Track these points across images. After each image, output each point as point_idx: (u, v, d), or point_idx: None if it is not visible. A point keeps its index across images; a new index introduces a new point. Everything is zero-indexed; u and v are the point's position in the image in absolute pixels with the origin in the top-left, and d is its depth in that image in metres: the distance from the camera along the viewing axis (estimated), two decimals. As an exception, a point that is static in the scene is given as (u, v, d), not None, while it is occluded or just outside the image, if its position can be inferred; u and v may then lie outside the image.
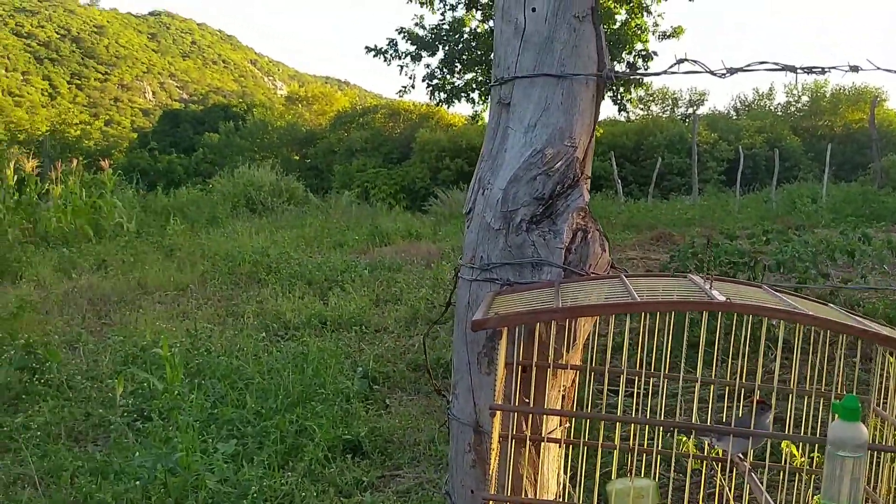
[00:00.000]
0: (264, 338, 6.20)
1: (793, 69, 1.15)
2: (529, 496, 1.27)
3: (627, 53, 19.03)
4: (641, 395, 1.30)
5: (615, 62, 19.10)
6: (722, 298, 0.96)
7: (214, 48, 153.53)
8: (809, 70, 1.15)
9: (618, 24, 18.60)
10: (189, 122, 41.44)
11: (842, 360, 1.15)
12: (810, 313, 0.96)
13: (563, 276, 1.33)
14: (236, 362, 5.45)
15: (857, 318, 1.06)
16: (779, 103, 38.85)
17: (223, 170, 21.25)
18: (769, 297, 1.08)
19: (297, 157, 30.02)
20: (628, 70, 18.75)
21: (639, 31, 18.90)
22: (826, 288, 5.35)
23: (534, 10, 1.38)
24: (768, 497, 1.08)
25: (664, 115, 35.65)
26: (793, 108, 37.36)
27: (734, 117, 35.22)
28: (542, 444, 1.27)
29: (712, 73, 1.19)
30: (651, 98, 37.91)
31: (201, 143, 33.75)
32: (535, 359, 1.20)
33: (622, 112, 21.50)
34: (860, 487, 0.95)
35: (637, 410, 1.44)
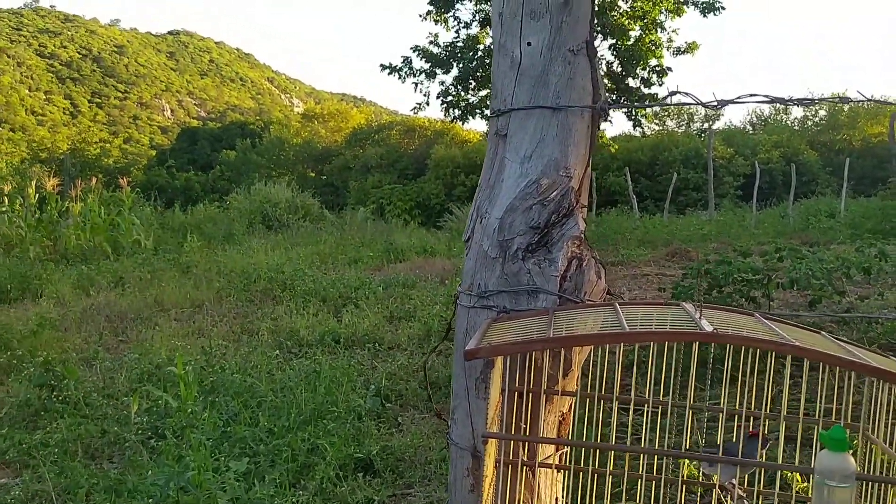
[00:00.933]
0: (278, 355, 6.23)
1: (783, 101, 1.18)
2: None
3: (642, 69, 19.04)
4: (648, 420, 1.32)
5: (630, 77, 19.13)
6: (710, 329, 0.98)
7: (232, 66, 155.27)
8: (799, 102, 1.17)
9: (632, 40, 18.63)
10: (207, 139, 41.86)
11: (825, 388, 1.16)
12: (797, 344, 0.97)
13: (558, 303, 1.36)
14: (250, 380, 5.49)
15: (847, 347, 1.08)
16: (795, 118, 38.64)
17: (240, 187, 21.46)
18: (759, 327, 1.10)
19: (313, 174, 30.23)
20: (632, 96, 18.77)
21: (653, 47, 18.90)
22: (837, 315, 5.32)
23: (529, 44, 1.42)
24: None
25: (680, 130, 35.57)
26: (810, 123, 37.14)
27: (751, 132, 35.08)
28: (538, 469, 1.29)
29: (703, 104, 1.21)
30: (666, 113, 37.85)
31: (219, 160, 34.09)
32: (530, 385, 1.22)
33: (637, 127, 21.49)
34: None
35: (646, 432, 1.45)
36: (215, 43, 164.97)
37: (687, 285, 5.93)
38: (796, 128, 36.45)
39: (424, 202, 24.66)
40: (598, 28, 18.64)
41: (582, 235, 1.42)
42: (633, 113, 19.69)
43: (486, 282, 1.41)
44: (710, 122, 36.00)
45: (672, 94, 1.26)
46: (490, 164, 1.49)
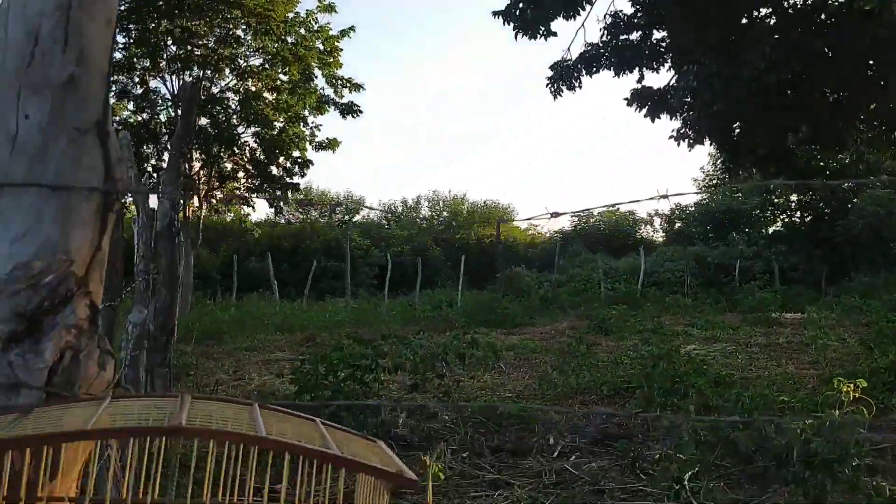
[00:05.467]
0: None
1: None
2: None
3: (285, 159, 19.56)
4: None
5: (272, 165, 19.43)
6: (180, 423, 0.96)
7: None
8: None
9: (276, 130, 19.11)
10: None
11: (305, 475, 1.21)
12: (263, 437, 1.00)
13: (43, 399, 1.24)
14: None
15: (330, 435, 1.13)
16: (424, 217, 42.76)
17: None
18: (247, 418, 1.11)
19: None
20: (274, 184, 19.17)
21: (297, 140, 19.57)
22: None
23: (27, 117, 1.33)
24: None
25: (322, 220, 37.01)
26: (435, 221, 41.35)
27: (385, 226, 37.85)
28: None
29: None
30: (310, 202, 39.16)
31: None
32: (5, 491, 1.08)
33: (279, 215, 21.82)
34: None
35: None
36: None
37: (306, 370, 6.07)
38: (424, 225, 40.28)
39: None
40: (243, 115, 18.79)
41: (83, 324, 1.33)
42: (274, 201, 19.99)
43: (-43, 376, 1.24)
44: (350, 215, 38.09)
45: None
46: (-22, 244, 1.34)
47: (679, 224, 35.15)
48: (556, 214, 1.60)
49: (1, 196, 1.32)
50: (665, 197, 1.60)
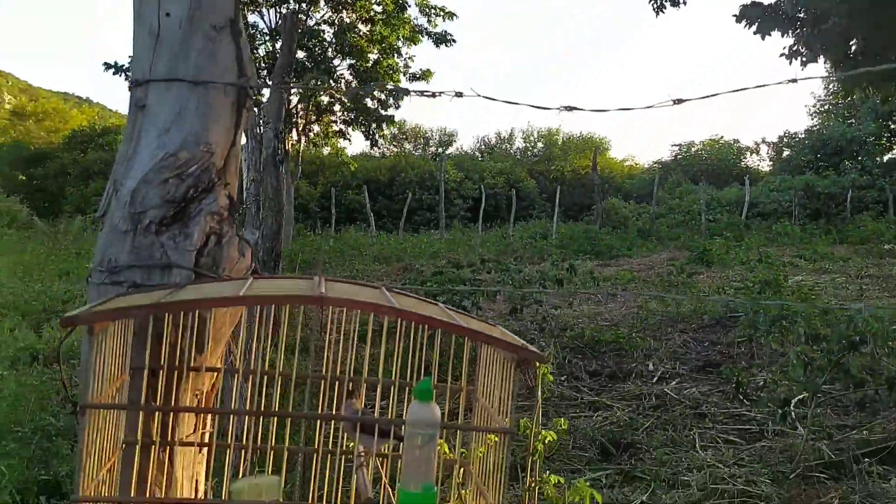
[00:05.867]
0: (-49, 374, 5.48)
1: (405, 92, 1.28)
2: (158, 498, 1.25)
3: (380, 91, 19.64)
4: (278, 389, 1.34)
5: (367, 98, 19.59)
6: (319, 293, 1.03)
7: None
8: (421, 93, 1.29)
9: (370, 62, 19.17)
10: None
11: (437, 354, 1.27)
12: (395, 306, 1.06)
13: (192, 278, 1.34)
14: (-89, 404, 4.76)
15: (455, 315, 1.18)
16: (518, 147, 42.29)
17: (-74, 189, 18.64)
18: (378, 296, 1.17)
19: (24, 178, 27.05)
20: (369, 116, 19.30)
21: (391, 71, 19.59)
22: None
23: (168, 14, 1.39)
24: (368, 486, 1.16)
25: (416, 153, 37.22)
26: (530, 153, 40.87)
27: (479, 158, 37.70)
28: (176, 448, 1.26)
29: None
30: (404, 136, 39.39)
31: None
32: (165, 362, 1.19)
33: (375, 147, 22.06)
34: (432, 460, 1.06)
35: (275, 400, 1.46)
36: None
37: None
38: (518, 157, 39.90)
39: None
40: (338, 48, 18.92)
41: (224, 212, 1.42)
42: (371, 133, 20.19)
43: (116, 257, 1.35)
44: (444, 147, 38.12)
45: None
46: (129, 137, 1.43)
47: (787, 152, 33.43)
48: (569, 108, 1.56)
49: (148, 92, 1.41)
50: (679, 102, 1.53)
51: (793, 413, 4.52)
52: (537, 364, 2.17)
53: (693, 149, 36.71)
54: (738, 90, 1.48)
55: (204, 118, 1.40)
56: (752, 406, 5.24)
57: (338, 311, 1.10)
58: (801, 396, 4.67)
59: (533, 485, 1.89)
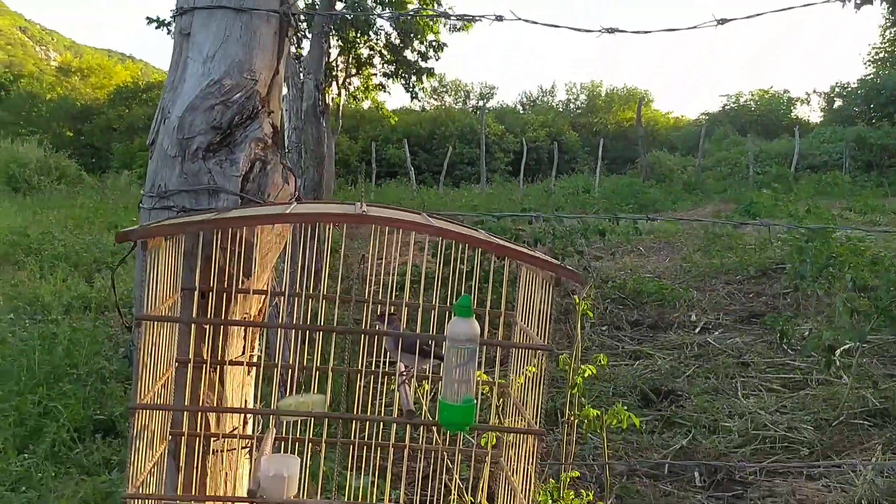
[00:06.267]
0: (12, 320, 5.71)
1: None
2: (211, 420, 1.30)
3: (420, 43, 19.44)
4: (323, 307, 1.37)
5: (407, 49, 19.43)
6: (359, 211, 1.05)
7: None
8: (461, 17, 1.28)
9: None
10: (-60, 91, 36.56)
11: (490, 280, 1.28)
12: (436, 225, 1.07)
13: (239, 203, 1.38)
14: (-25, 347, 4.98)
15: (495, 237, 1.20)
16: (560, 100, 41.64)
17: (-20, 145, 19.11)
18: (418, 218, 1.19)
19: (71, 134, 27.59)
20: (409, 69, 19.15)
21: (431, 22, 19.33)
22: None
23: (211, -58, 1.41)
24: (410, 401, 1.19)
25: (457, 107, 36.91)
26: (572, 106, 40.22)
27: (521, 111, 37.25)
28: (227, 368, 1.31)
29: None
30: (445, 89, 39.05)
31: (-46, 115, 29.92)
32: (213, 285, 1.23)
33: (415, 100, 21.93)
34: (473, 372, 1.08)
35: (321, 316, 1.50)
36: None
37: (445, 245, 6.25)
38: (560, 109, 39.30)
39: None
40: (378, -1, 18.73)
41: (268, 139, 1.44)
42: (411, 86, 20.06)
43: (166, 182, 1.39)
44: (485, 101, 37.73)
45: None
46: (175, 66, 1.46)
47: (839, 103, 32.33)
48: (611, 30, 1.52)
49: (193, 20, 1.43)
50: (723, 22, 1.48)
51: (837, 362, 4.47)
52: (577, 301, 2.18)
53: (742, 100, 35.75)
54: (783, 9, 1.44)
55: (247, 46, 1.42)
56: (797, 355, 5.20)
57: (380, 250, 1.13)
58: (847, 346, 4.60)
59: (572, 418, 1.92)
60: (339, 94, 20.04)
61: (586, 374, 1.92)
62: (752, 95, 36.00)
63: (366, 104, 23.68)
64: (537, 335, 1.20)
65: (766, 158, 23.77)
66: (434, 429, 1.50)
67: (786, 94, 36.11)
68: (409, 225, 1.07)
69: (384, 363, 1.38)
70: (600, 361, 2.05)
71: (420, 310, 1.34)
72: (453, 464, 1.45)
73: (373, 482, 2.71)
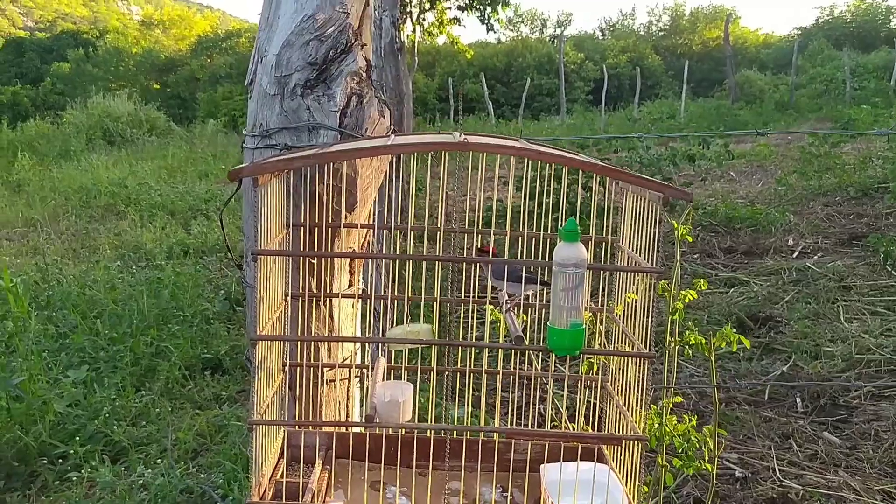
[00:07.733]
0: (119, 266, 6.02)
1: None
2: (322, 350, 1.35)
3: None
4: (426, 239, 1.38)
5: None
6: (466, 139, 1.04)
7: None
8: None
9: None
10: (35, 50, 38.08)
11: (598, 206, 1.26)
12: (536, 148, 1.05)
13: (339, 138, 1.39)
14: (90, 292, 5.29)
15: (593, 160, 1.17)
16: (641, 23, 39.99)
17: (75, 101, 19.88)
18: (517, 143, 1.17)
19: (158, 86, 28.41)
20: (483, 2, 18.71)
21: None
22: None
23: None
24: (517, 327, 1.19)
25: (533, 37, 35.97)
26: (654, 28, 38.59)
27: (599, 38, 36.01)
28: (336, 301, 1.35)
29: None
30: (521, 19, 38.06)
31: (49, 73, 31.22)
32: (315, 221, 1.25)
33: (490, 32, 21.52)
34: (581, 297, 1.08)
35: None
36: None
37: (530, 177, 6.19)
38: (642, 33, 37.77)
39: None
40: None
41: (363, 73, 1.44)
42: (486, 17, 19.65)
43: (267, 120, 1.42)
44: (562, 28, 36.63)
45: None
46: (268, 3, 1.47)
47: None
48: None
49: (284, -46, 1.43)
50: None
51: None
52: (675, 225, 2.13)
53: (836, 11, 33.49)
54: None
55: (337, -21, 1.41)
56: (903, 277, 4.96)
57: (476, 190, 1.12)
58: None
59: (674, 344, 1.90)
60: (413, 31, 19.84)
61: (687, 300, 1.88)
62: (848, 6, 33.65)
63: (441, 39, 23.36)
64: (644, 260, 1.18)
65: (864, 73, 22.28)
66: (533, 355, 1.52)
67: (884, 2, 33.58)
68: (511, 150, 1.05)
69: (487, 293, 1.39)
70: (700, 286, 2.01)
71: (521, 239, 1.34)
72: (561, 390, 1.46)
73: (474, 414, 2.77)
